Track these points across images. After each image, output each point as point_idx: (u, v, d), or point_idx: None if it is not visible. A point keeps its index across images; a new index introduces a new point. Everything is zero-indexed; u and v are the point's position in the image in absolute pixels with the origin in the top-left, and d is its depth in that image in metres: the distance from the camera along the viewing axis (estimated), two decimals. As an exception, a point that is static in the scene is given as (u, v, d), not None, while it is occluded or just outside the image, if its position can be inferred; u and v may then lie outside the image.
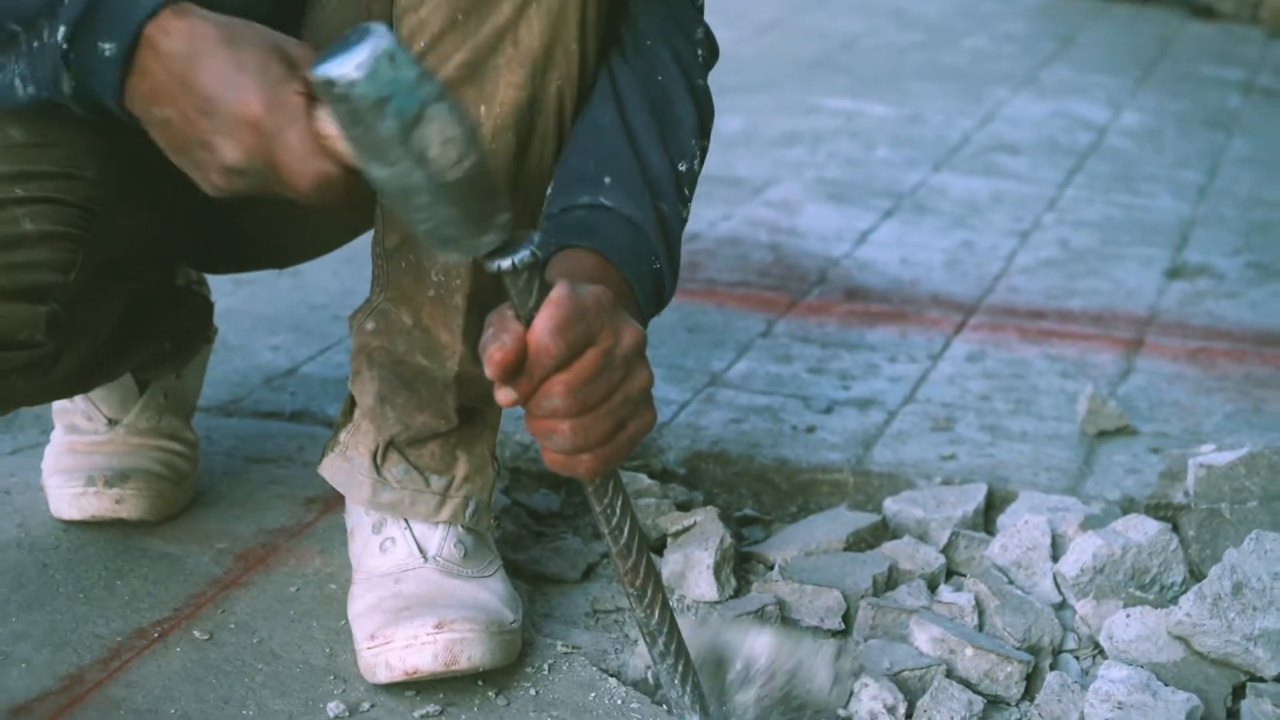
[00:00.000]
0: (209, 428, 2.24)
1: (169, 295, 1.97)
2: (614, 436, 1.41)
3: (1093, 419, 2.35)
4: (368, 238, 1.83)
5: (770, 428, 2.33)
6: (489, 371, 1.34)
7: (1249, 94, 4.48)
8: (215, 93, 1.41)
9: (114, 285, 1.71)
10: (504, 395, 1.36)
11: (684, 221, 1.68)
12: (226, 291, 2.57)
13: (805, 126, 3.93)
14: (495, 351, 1.33)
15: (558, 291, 1.34)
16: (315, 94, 1.35)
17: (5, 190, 1.56)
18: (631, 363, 1.41)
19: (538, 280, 1.34)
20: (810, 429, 2.33)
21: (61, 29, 1.44)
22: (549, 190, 1.64)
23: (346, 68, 1.24)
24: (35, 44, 1.46)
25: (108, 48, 1.43)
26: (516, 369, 1.34)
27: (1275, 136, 4.05)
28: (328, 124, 1.37)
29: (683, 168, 1.67)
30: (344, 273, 2.74)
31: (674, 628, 1.53)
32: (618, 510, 1.46)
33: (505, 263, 1.31)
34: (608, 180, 1.60)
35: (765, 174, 3.52)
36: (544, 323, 1.33)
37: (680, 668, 1.54)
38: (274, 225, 1.92)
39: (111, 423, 2.03)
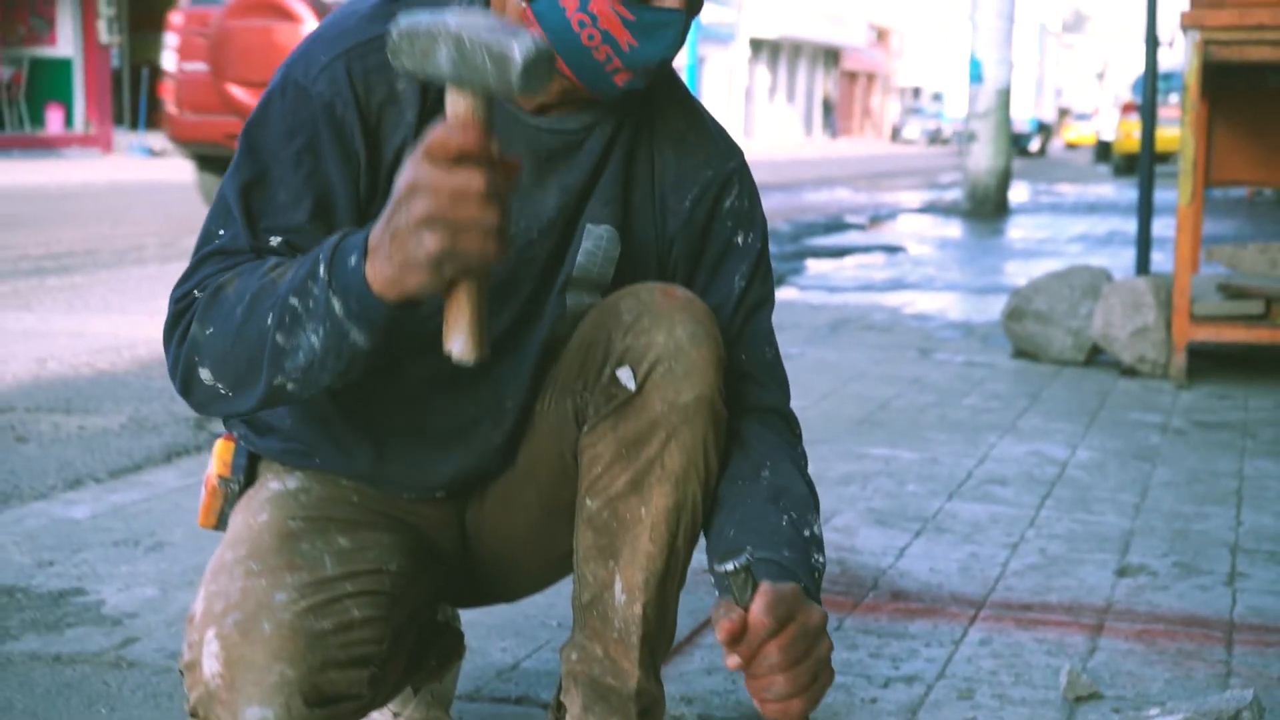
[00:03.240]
0: (460, 711, 2.23)
1: (434, 629, 1.98)
2: (811, 686, 1.42)
3: (1071, 687, 2.29)
4: (565, 583, 1.85)
5: (845, 699, 2.29)
6: (720, 637, 1.38)
7: (1166, 433, 4.42)
8: (398, 206, 1.31)
9: (407, 635, 1.71)
10: (732, 660, 1.40)
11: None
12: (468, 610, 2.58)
13: (856, 469, 3.92)
14: (726, 624, 1.38)
15: (765, 585, 1.40)
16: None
17: (340, 587, 1.55)
18: (819, 633, 1.44)
19: (751, 580, 1.39)
20: (873, 700, 2.29)
21: (321, 270, 1.38)
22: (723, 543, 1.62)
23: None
24: (310, 303, 1.39)
25: (352, 258, 1.37)
26: (739, 638, 1.38)
27: (1187, 465, 3.98)
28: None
29: (808, 533, 1.67)
30: (550, 592, 2.74)
31: None
32: None
33: (729, 566, 1.39)
34: (786, 553, 1.58)
35: (831, 507, 3.50)
36: (759, 605, 1.39)
37: None
38: (503, 576, 1.94)
39: (395, 715, 2.03)
